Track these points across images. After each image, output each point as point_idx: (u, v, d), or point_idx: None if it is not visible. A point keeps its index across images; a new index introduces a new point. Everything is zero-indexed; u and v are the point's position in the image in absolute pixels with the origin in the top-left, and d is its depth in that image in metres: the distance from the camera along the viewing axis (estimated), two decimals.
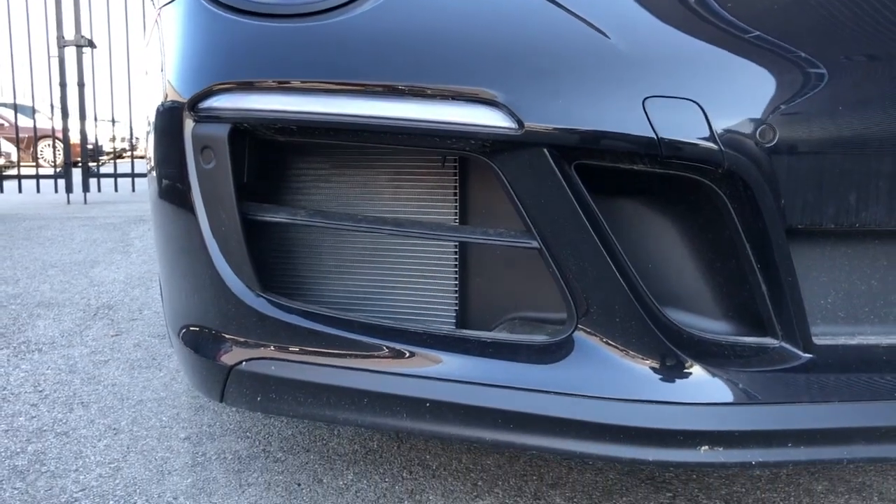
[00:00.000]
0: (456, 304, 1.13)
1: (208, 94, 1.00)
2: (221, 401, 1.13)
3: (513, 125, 0.91)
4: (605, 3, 0.99)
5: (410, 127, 0.94)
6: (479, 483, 1.30)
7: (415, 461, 1.38)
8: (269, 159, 1.16)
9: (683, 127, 0.89)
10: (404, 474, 1.33)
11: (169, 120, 1.06)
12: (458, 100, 0.93)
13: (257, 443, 1.46)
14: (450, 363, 0.98)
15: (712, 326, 0.98)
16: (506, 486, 1.29)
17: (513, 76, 0.93)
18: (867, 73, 0.90)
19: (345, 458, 1.40)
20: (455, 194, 1.12)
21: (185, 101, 1.02)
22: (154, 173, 1.16)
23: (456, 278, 1.13)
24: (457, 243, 1.12)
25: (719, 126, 0.88)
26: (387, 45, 0.96)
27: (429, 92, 0.93)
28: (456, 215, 1.12)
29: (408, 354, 0.99)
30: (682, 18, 0.96)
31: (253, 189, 1.11)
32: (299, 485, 1.30)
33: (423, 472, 1.34)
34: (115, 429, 1.52)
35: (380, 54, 0.96)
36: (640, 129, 0.89)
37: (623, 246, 0.95)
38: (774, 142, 0.88)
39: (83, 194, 6.60)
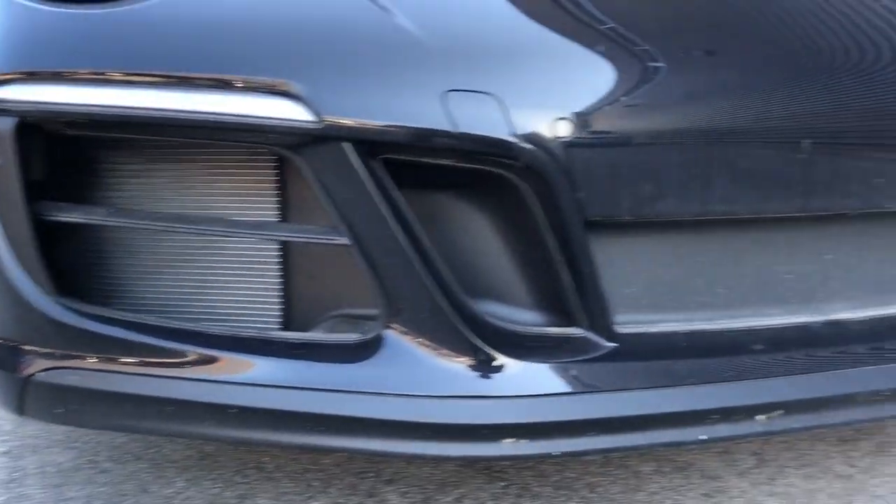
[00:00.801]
0: (282, 304, 1.09)
1: None
2: (22, 414, 1.05)
3: (311, 118, 0.88)
4: None
5: (205, 120, 0.90)
6: (315, 483, 1.27)
7: (250, 464, 1.34)
8: (72, 155, 1.08)
9: (482, 121, 0.88)
10: (237, 478, 1.29)
11: None
12: (254, 91, 0.89)
13: (84, 454, 1.38)
14: (257, 367, 0.95)
15: (525, 318, 0.99)
16: (341, 485, 1.27)
17: (311, 67, 0.90)
18: (659, 67, 0.92)
19: (177, 464, 1.34)
20: (277, 190, 1.07)
21: None
22: None
23: (281, 277, 1.09)
24: (280, 242, 1.08)
25: (517, 120, 0.88)
26: (178, 33, 0.91)
27: (222, 82, 0.89)
28: (278, 212, 1.08)
29: (212, 359, 0.95)
30: (484, 12, 0.96)
31: (59, 187, 1.04)
32: (124, 496, 1.24)
33: (258, 474, 1.30)
34: None
35: (170, 43, 0.91)
36: (440, 123, 0.88)
37: (433, 241, 0.94)
38: (571, 136, 0.89)
39: None
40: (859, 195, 0.98)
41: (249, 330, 0.99)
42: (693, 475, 1.29)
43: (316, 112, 0.88)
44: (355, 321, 1.06)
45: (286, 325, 1.10)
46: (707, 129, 0.92)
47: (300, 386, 0.93)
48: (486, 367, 0.92)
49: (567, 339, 0.96)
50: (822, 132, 0.95)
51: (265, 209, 1.07)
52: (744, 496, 1.22)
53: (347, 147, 0.89)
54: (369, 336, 0.94)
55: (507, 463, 1.32)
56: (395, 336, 0.93)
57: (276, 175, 1.06)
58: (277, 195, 1.07)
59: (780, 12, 1.00)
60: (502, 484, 1.26)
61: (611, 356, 0.95)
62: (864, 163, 0.97)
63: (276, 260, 1.08)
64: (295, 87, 0.89)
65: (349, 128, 0.88)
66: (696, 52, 0.94)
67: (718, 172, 0.92)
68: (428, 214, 0.97)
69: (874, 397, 0.98)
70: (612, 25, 0.92)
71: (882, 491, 1.22)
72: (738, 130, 0.92)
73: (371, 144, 0.89)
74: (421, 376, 0.92)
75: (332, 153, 0.90)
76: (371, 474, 1.30)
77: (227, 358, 0.95)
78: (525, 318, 0.98)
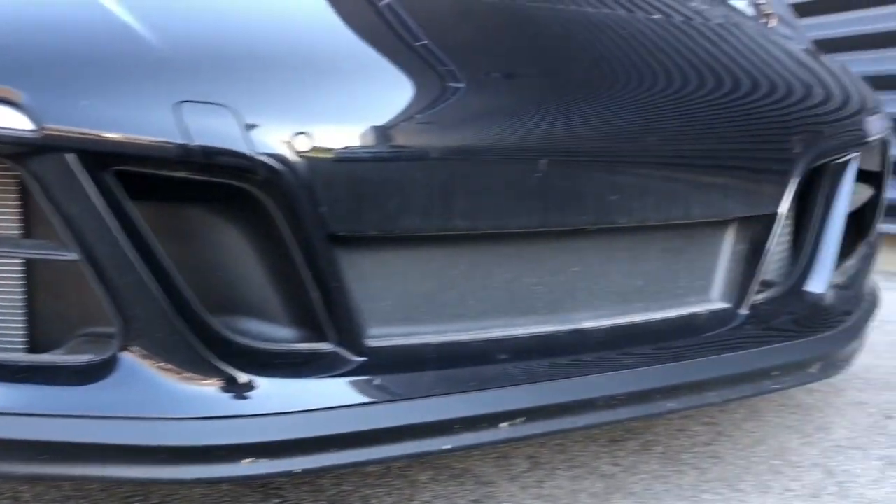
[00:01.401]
0: (25, 324, 1.01)
1: None
2: None
3: (30, 127, 0.83)
4: (149, 1, 0.94)
5: None
6: None
7: (5, 494, 1.24)
8: None
9: (218, 133, 0.86)
10: None
11: None
12: None
13: None
14: None
15: (274, 334, 0.97)
16: None
17: (35, 74, 0.85)
18: (402, 84, 0.93)
19: None
20: (19, 202, 1.00)
21: None
22: None
23: (24, 295, 1.01)
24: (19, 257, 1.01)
25: (256, 133, 0.87)
26: None
27: None
28: (21, 226, 1.00)
29: None
30: (226, 24, 0.94)
31: None
32: None
33: None
34: None
35: None
36: (172, 135, 0.85)
37: (174, 257, 0.91)
38: (311, 150, 0.88)
39: None
40: (596, 211, 1.04)
41: None
42: (468, 481, 1.32)
43: (36, 120, 0.83)
44: (100, 341, 1.00)
45: (32, 345, 1.03)
46: (447, 148, 0.94)
47: (24, 412, 0.87)
48: (227, 387, 0.90)
49: (316, 355, 0.95)
50: (559, 152, 0.99)
51: (5, 223, 1.00)
52: (512, 500, 1.26)
53: (71, 158, 0.84)
54: (103, 357, 0.89)
55: (283, 480, 1.30)
56: (130, 357, 0.89)
57: (18, 186, 0.99)
58: (19, 208, 0.99)
59: (525, 40, 1.05)
60: (277, 501, 1.24)
61: (359, 370, 0.95)
62: (599, 181, 1.03)
63: (19, 277, 1.00)
64: (14, 93, 0.83)
65: (72, 138, 0.84)
66: (433, 72, 0.96)
67: (460, 190, 0.95)
68: (170, 229, 0.94)
69: (612, 401, 1.03)
70: (359, 42, 0.93)
71: (637, 488, 1.30)
72: (478, 149, 0.95)
73: (98, 155, 0.85)
74: (157, 398, 0.88)
75: (55, 164, 0.85)
76: (139, 498, 1.24)
77: None
78: (274, 334, 0.97)
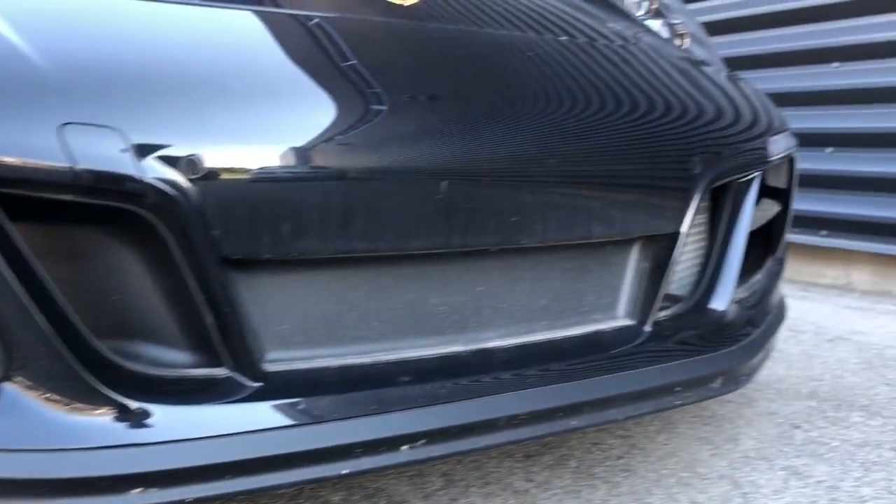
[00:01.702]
0: None
1: None
2: None
3: None
4: (36, 20, 0.91)
5: None
6: None
7: None
8: None
9: (104, 156, 0.84)
10: None
11: None
12: None
13: None
14: None
15: (170, 360, 0.95)
16: None
17: None
18: (291, 106, 0.92)
19: None
20: None
21: None
22: None
23: None
24: None
25: (144, 156, 0.85)
26: None
27: None
28: None
29: None
30: (116, 44, 0.92)
31: None
32: None
33: None
34: None
35: None
36: (55, 157, 0.83)
37: (61, 281, 0.88)
38: (202, 173, 0.87)
39: None
40: (499, 232, 1.04)
41: None
42: (381, 500, 1.31)
43: None
44: None
45: None
46: (342, 170, 0.94)
47: None
48: (116, 416, 0.87)
49: (211, 381, 0.93)
50: (460, 173, 1.00)
51: None
52: None
53: None
54: None
55: None
56: (12, 386, 0.86)
57: None
58: None
59: (424, 61, 1.05)
60: None
61: (256, 396, 0.94)
62: (501, 202, 1.04)
63: None
64: None
65: None
66: (329, 93, 0.96)
67: (357, 211, 0.95)
68: (57, 252, 0.91)
69: (514, 421, 1.04)
70: (250, 63, 0.92)
71: None
72: (375, 171, 0.95)
73: None
74: (42, 429, 0.85)
75: None
76: None
77: None
78: (169, 359, 0.95)
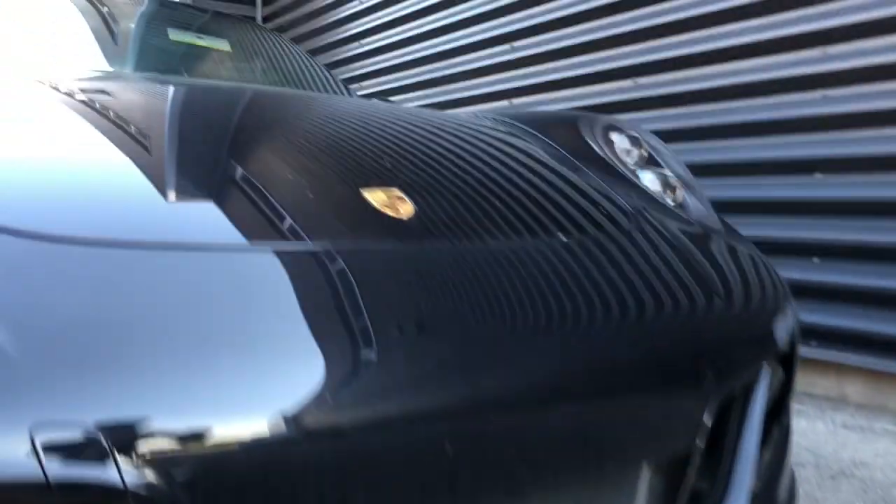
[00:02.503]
0: None
1: None
2: None
3: None
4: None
5: None
6: None
7: None
8: None
9: (82, 461, 0.76)
10: None
11: None
12: None
13: None
14: None
15: None
16: None
17: None
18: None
19: None
20: None
21: None
22: None
23: None
24: None
25: (128, 457, 0.77)
26: None
27: None
28: None
29: None
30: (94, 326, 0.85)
31: None
32: None
33: None
34: None
35: None
36: (24, 467, 0.75)
37: None
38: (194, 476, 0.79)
39: None
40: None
41: None
42: None
43: None
44: None
45: None
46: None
47: None
48: None
49: None
50: (460, 428, 0.93)
51: None
52: None
53: None
54: None
55: None
56: None
57: None
58: None
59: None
60: None
61: None
62: (510, 466, 0.97)
63: None
64: None
65: None
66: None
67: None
68: None
69: None
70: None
71: None
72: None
73: None
74: None
75: None
76: None
77: None
78: None
